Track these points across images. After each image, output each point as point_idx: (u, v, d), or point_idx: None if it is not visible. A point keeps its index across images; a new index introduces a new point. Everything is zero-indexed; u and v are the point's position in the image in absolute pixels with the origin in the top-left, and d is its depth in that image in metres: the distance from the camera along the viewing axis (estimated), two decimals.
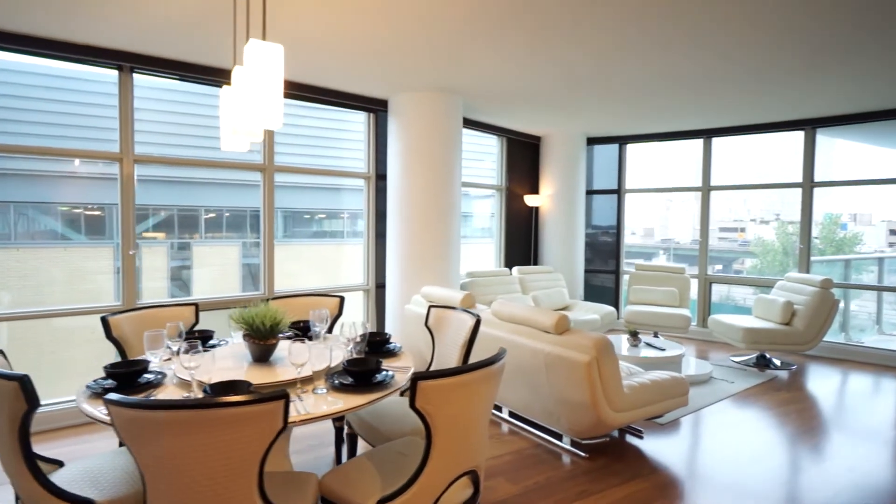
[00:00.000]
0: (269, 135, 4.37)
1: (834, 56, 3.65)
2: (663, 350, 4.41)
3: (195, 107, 4.31)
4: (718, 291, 7.98)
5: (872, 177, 5.50)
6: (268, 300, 3.08)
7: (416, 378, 1.53)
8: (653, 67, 3.95)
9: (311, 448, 3.21)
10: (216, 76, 3.98)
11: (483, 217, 6.93)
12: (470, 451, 1.73)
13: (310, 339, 2.16)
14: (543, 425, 3.30)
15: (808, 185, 5.75)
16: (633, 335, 4.52)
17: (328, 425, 3.34)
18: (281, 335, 2.63)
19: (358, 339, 2.20)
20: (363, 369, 1.92)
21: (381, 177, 5.11)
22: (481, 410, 1.73)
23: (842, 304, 6.30)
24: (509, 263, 6.68)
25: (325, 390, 1.85)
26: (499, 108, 5.47)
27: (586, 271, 7.21)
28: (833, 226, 7.56)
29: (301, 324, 2.69)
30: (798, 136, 5.81)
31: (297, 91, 4.46)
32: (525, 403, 3.26)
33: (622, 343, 4.59)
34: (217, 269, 4.47)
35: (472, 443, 1.72)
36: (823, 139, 5.73)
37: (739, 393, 4.38)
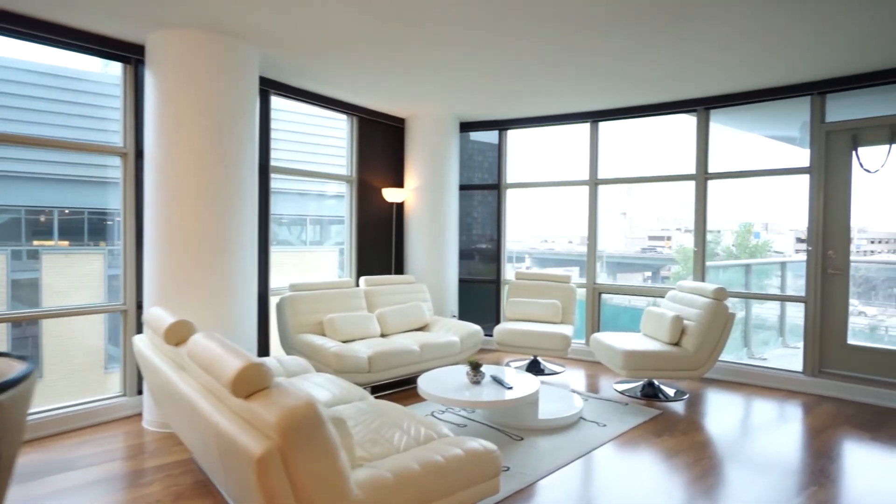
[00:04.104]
0: None
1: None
2: (510, 388, 3.27)
3: None
4: (645, 299, 7.08)
5: (764, 167, 4.70)
6: None
7: None
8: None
9: None
10: None
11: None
12: None
13: None
14: None
15: (702, 176, 4.89)
16: (475, 368, 3.35)
17: None
18: None
19: None
20: None
21: (143, 153, 3.70)
22: None
23: (743, 314, 5.54)
24: (365, 273, 5.42)
25: None
26: (332, 72, 4.21)
27: (463, 281, 6.07)
28: (747, 234, 7.45)
29: None
30: (692, 123, 4.94)
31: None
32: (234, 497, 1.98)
33: (460, 379, 3.42)
34: None
35: None
36: (719, 130, 4.89)
37: (613, 440, 3.31)
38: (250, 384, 1.64)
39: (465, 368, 3.48)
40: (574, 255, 9.36)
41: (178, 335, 2.32)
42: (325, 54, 3.81)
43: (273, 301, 4.45)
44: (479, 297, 6.16)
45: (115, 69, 3.69)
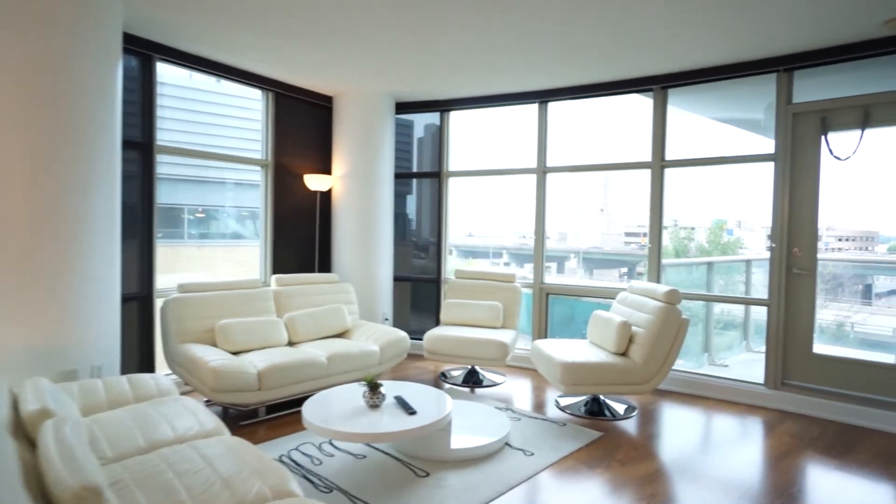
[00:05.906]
0: None
1: None
2: (413, 413, 2.70)
3: None
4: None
5: (725, 155, 4.21)
6: None
7: None
8: None
9: None
10: None
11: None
12: None
13: None
14: None
15: (659, 164, 4.38)
16: (373, 389, 2.77)
17: None
18: None
19: None
20: None
21: None
22: None
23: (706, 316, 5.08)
24: (283, 271, 4.78)
25: None
26: (236, 38, 3.58)
27: (401, 280, 5.48)
28: (719, 231, 7.16)
29: None
30: (650, 106, 4.42)
31: None
32: None
33: (356, 401, 2.82)
34: None
35: None
36: (679, 114, 4.38)
37: (540, 473, 2.76)
38: None
39: (359, 389, 2.89)
40: (553, 252, 8.86)
41: None
42: (221, 14, 3.17)
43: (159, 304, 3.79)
44: (420, 297, 5.58)
45: None
